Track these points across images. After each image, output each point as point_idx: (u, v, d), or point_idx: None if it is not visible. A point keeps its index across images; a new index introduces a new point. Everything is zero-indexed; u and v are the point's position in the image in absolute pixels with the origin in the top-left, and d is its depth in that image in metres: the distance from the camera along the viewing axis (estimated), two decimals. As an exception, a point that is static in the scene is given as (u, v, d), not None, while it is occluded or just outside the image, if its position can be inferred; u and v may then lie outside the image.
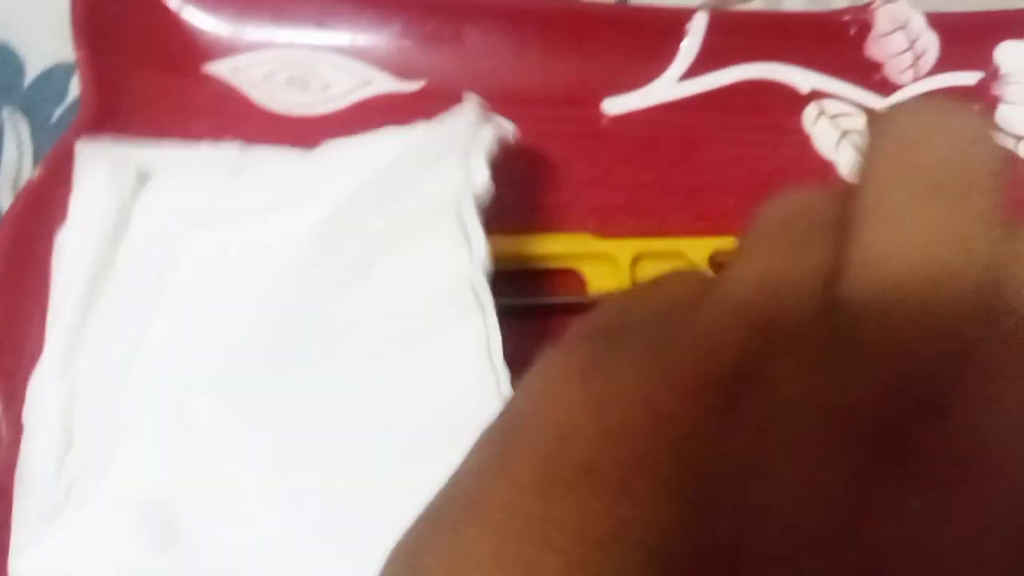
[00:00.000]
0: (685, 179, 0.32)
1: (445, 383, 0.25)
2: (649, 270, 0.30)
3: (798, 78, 0.33)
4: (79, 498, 0.25)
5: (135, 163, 0.29)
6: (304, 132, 0.32)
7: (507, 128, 0.29)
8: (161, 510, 0.24)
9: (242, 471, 0.25)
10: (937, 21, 0.33)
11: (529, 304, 0.29)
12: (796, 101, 0.33)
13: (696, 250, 0.30)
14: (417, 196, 0.27)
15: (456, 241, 0.26)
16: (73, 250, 0.27)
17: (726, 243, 0.30)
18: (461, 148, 0.27)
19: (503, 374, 0.24)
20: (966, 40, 0.34)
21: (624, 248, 0.30)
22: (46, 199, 0.29)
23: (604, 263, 0.30)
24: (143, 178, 0.29)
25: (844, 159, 0.33)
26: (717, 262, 0.30)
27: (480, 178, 0.27)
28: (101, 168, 0.28)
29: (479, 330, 0.25)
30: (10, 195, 0.32)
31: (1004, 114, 0.34)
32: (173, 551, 0.24)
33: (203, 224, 0.28)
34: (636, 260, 0.30)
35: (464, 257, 0.26)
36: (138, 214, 0.28)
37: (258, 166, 0.29)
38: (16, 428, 0.26)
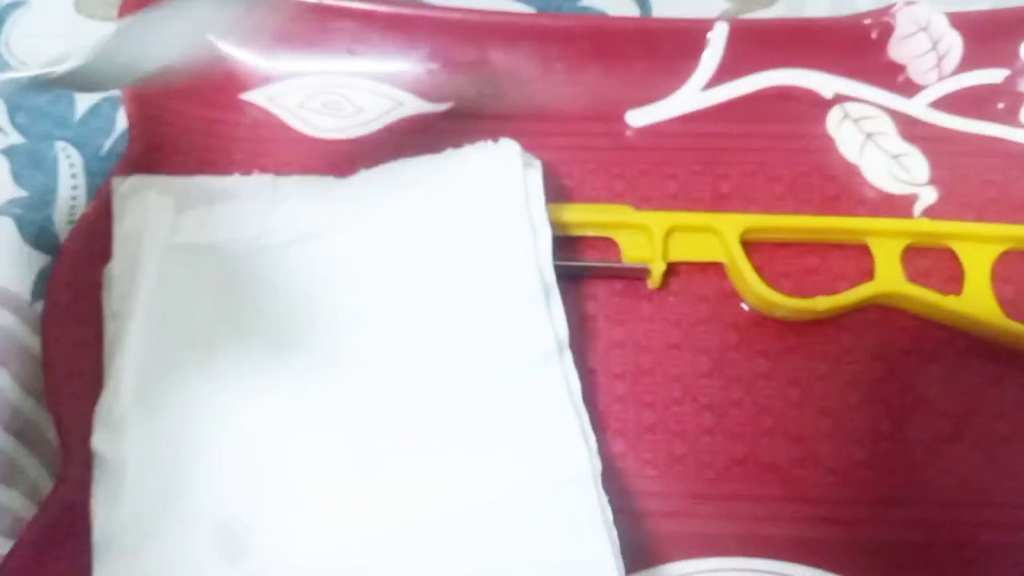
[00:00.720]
0: (710, 188, 0.33)
1: (526, 419, 0.27)
2: (682, 242, 0.31)
3: (821, 83, 0.34)
4: (156, 518, 0.26)
5: (171, 195, 0.30)
6: (340, 154, 0.34)
7: (537, 164, 0.31)
8: (232, 524, 0.26)
9: (310, 483, 0.27)
10: (959, 20, 0.33)
11: (569, 266, 0.31)
12: (820, 106, 0.34)
13: (728, 225, 0.31)
14: (485, 248, 0.29)
15: (535, 301, 0.28)
16: (120, 285, 0.29)
17: (759, 220, 0.31)
18: (519, 201, 0.30)
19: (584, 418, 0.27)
20: (990, 38, 0.34)
21: (659, 220, 0.31)
22: (99, 231, 0.30)
23: (639, 233, 0.31)
24: (180, 209, 0.30)
25: (869, 162, 0.33)
26: (746, 241, 0.30)
27: (546, 240, 0.29)
28: (138, 204, 0.30)
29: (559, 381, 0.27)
30: (66, 225, 0.34)
31: (1031, 110, 0.33)
32: (245, 563, 0.25)
33: (246, 253, 0.30)
34: (670, 232, 0.31)
35: (544, 318, 0.28)
36: (181, 248, 0.30)
37: (293, 196, 0.31)
38: (75, 458, 0.27)
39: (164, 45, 0.25)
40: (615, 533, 0.25)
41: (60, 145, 0.36)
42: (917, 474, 0.29)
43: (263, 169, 0.33)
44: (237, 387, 0.28)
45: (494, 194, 0.30)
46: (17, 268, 0.33)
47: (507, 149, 0.30)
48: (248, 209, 0.30)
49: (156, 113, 0.33)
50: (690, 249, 0.31)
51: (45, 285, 0.31)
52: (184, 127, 0.33)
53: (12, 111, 0.37)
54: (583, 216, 0.31)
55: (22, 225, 0.34)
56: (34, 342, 0.31)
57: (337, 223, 0.30)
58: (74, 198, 0.35)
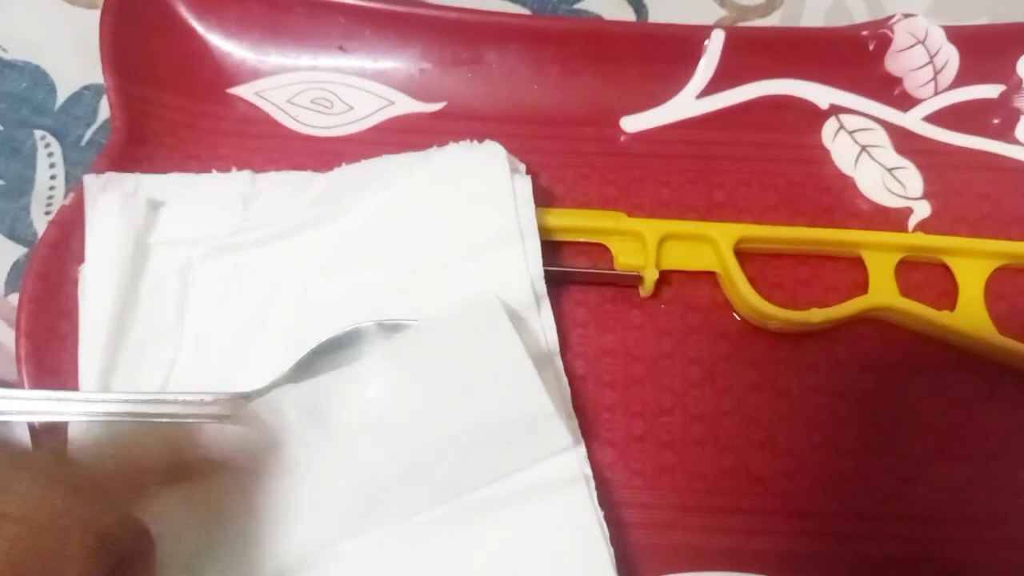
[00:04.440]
0: (703, 195, 0.32)
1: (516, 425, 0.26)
2: (675, 251, 0.31)
3: (817, 94, 0.33)
4: None
5: (145, 193, 0.30)
6: (328, 152, 0.33)
7: (523, 168, 0.30)
8: None
9: None
10: (957, 34, 0.33)
11: (559, 271, 0.30)
12: (815, 117, 0.33)
13: (722, 234, 0.30)
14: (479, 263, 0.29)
15: (524, 309, 0.28)
16: (95, 283, 0.28)
17: (753, 230, 0.30)
18: (507, 206, 0.29)
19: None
20: (987, 53, 0.33)
21: (653, 227, 0.30)
22: (78, 225, 0.29)
23: (632, 240, 0.30)
24: (154, 207, 0.30)
25: (863, 174, 0.33)
26: (739, 250, 0.30)
27: (535, 247, 0.29)
28: (112, 201, 0.29)
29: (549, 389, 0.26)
30: (42, 215, 0.33)
31: (1026, 126, 0.33)
32: None
33: (220, 250, 0.29)
34: (663, 240, 0.30)
35: (534, 327, 0.28)
36: (155, 243, 0.29)
37: (270, 192, 0.30)
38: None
39: None
40: (608, 534, 0.25)
41: (39, 134, 0.35)
42: (905, 488, 0.29)
43: (250, 165, 0.32)
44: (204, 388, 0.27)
45: (480, 196, 0.29)
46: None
47: (492, 150, 0.29)
48: (225, 206, 0.30)
49: (140, 104, 0.32)
50: (683, 258, 0.30)
51: (20, 277, 0.30)
52: (169, 120, 0.33)
53: (-10, 97, 0.36)
54: (575, 221, 0.31)
55: (-4, 214, 0.33)
56: (8, 336, 0.30)
57: (315, 219, 0.29)
58: (52, 188, 0.34)
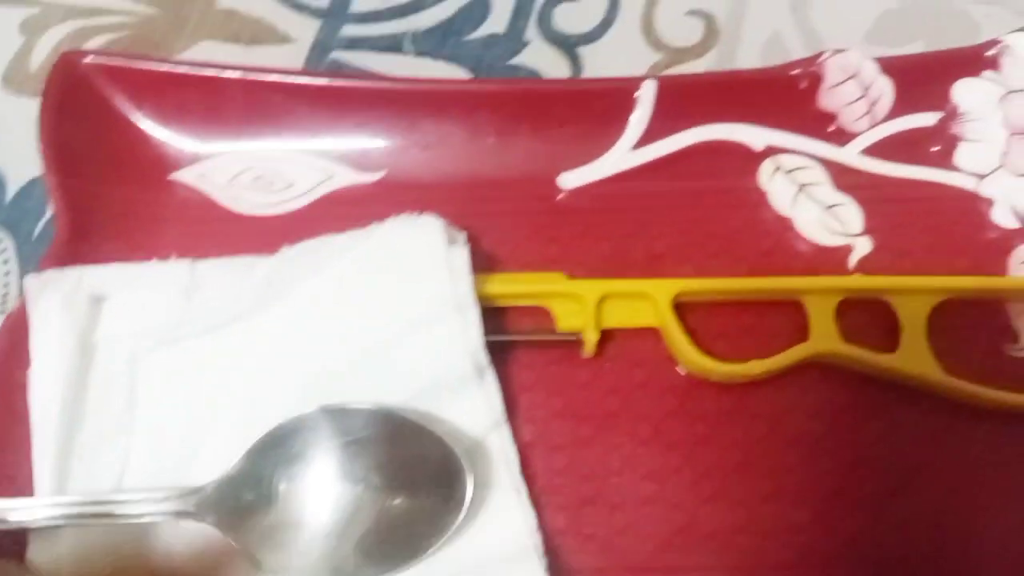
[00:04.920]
0: (644, 247, 0.32)
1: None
2: (615, 309, 0.31)
3: (751, 136, 0.33)
4: None
5: (86, 288, 0.30)
6: (271, 231, 0.33)
7: (461, 239, 0.30)
8: None
9: None
10: (889, 65, 0.33)
11: (503, 340, 0.30)
12: (751, 159, 0.33)
13: (660, 291, 0.30)
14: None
15: (466, 382, 0.29)
16: (42, 385, 0.28)
17: (690, 285, 0.30)
18: (443, 283, 0.29)
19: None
20: (921, 82, 0.33)
21: (592, 288, 0.30)
22: (27, 329, 0.30)
23: (572, 301, 0.31)
24: (97, 302, 0.30)
25: (801, 213, 0.33)
26: (680, 302, 0.30)
27: (475, 320, 0.29)
28: (54, 301, 0.29)
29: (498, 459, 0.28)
30: (-1, 313, 0.33)
31: (965, 152, 0.33)
32: None
33: (165, 342, 0.29)
34: (602, 300, 0.30)
35: (478, 399, 0.29)
36: (100, 340, 0.29)
37: (212, 280, 0.30)
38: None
39: None
40: None
41: (-9, 230, 0.35)
42: (864, 533, 0.29)
43: (194, 250, 0.32)
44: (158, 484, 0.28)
45: (418, 271, 0.29)
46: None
47: (429, 224, 0.30)
48: (167, 297, 0.30)
49: (82, 200, 0.33)
50: (624, 315, 0.31)
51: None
52: (112, 211, 0.33)
53: (-61, 195, 0.36)
54: (515, 287, 0.31)
55: (-51, 315, 0.34)
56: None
57: (256, 305, 0.30)
58: (6, 285, 0.34)
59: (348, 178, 0.34)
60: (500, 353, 0.30)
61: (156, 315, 0.30)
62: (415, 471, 0.27)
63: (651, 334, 0.31)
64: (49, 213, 0.35)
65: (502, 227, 0.33)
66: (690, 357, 0.29)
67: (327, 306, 0.30)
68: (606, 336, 0.30)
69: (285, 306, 0.30)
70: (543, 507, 0.28)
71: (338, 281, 0.30)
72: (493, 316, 0.30)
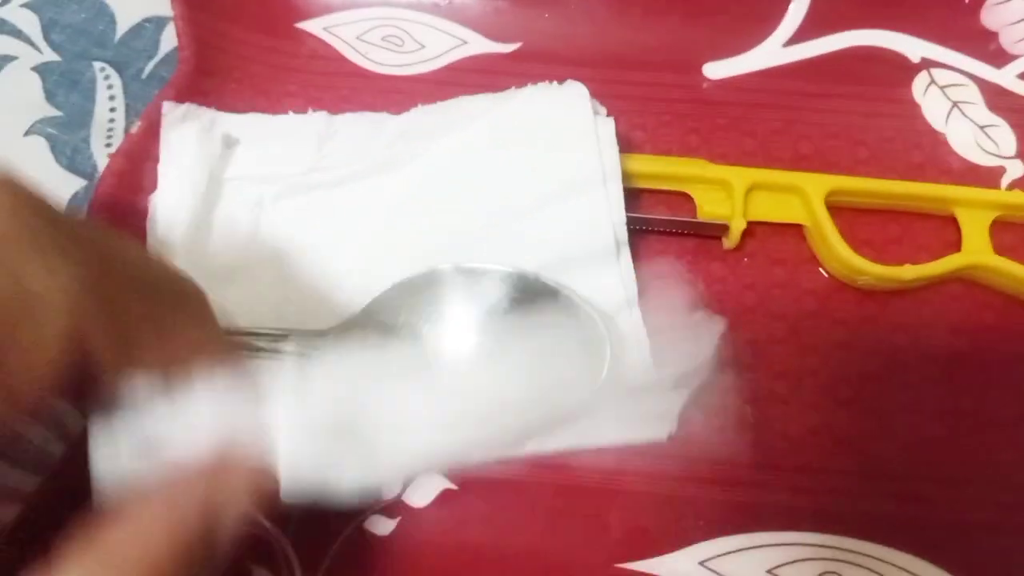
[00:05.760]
0: (789, 147, 0.31)
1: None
2: (761, 201, 0.29)
3: (909, 46, 0.32)
4: None
5: (221, 129, 0.29)
6: (398, 91, 0.32)
7: (603, 111, 0.29)
8: None
9: None
10: (1058, -12, 0.32)
11: (642, 219, 0.29)
12: (906, 70, 0.32)
13: (814, 185, 0.29)
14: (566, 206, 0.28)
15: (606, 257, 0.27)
16: (167, 211, 0.27)
17: (845, 183, 0.29)
18: (591, 150, 0.28)
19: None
20: (1088, 8, 0.32)
21: (741, 176, 0.29)
22: (145, 154, 0.28)
23: (717, 189, 0.29)
24: (229, 144, 0.29)
25: (955, 131, 0.31)
26: (829, 203, 0.29)
27: (618, 193, 0.28)
28: (189, 134, 0.28)
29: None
30: (102, 148, 0.32)
31: None
32: None
33: (293, 190, 0.28)
34: (751, 189, 0.29)
35: (615, 275, 0.27)
36: (228, 180, 0.28)
37: (345, 133, 0.29)
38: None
39: None
40: None
41: (98, 66, 0.34)
42: (994, 454, 0.27)
43: (318, 102, 0.31)
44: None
45: (561, 139, 0.28)
46: (49, 190, 0.31)
47: (575, 92, 0.28)
48: (300, 145, 0.29)
49: (209, 36, 0.31)
50: (770, 209, 0.29)
51: (77, 209, 0.29)
52: (238, 53, 0.31)
53: (47, 28, 0.35)
54: (656, 168, 0.29)
55: (55, 146, 0.32)
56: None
57: (391, 161, 0.28)
58: (112, 121, 0.33)
59: (481, 46, 0.33)
60: (634, 237, 0.28)
61: (287, 163, 0.29)
62: (553, 336, 0.26)
63: (792, 233, 0.30)
64: (160, 54, 0.34)
65: (642, 112, 0.31)
66: (840, 256, 0.28)
67: (462, 167, 0.29)
68: (745, 231, 0.29)
69: (419, 163, 0.29)
70: (672, 396, 0.27)
71: (475, 142, 0.29)
72: (629, 198, 0.29)
